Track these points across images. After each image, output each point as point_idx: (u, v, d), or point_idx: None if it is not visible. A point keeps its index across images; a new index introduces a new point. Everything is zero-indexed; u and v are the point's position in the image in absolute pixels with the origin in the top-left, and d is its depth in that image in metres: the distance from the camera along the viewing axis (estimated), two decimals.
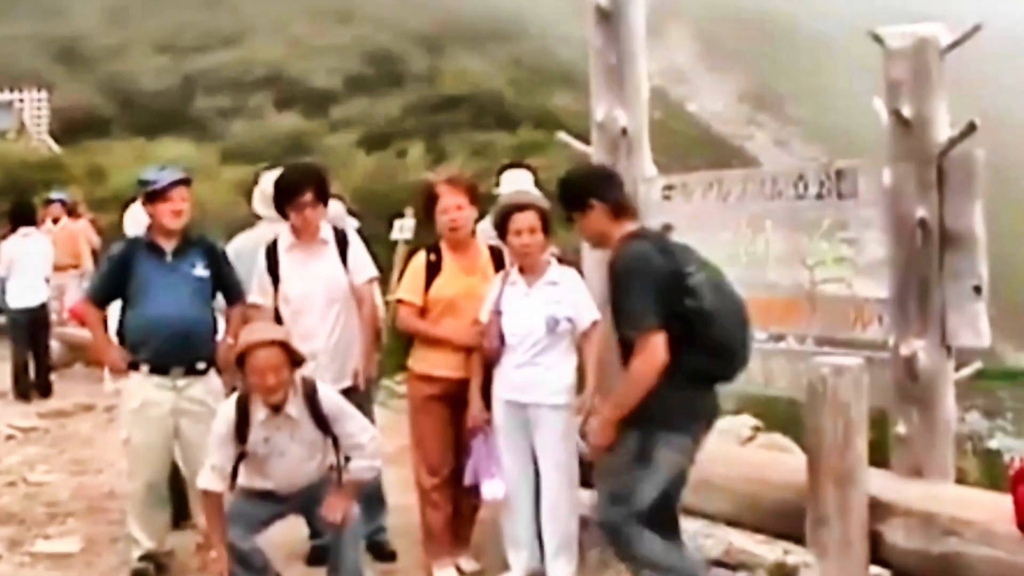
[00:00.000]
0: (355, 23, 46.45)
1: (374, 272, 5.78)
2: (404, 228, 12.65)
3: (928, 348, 4.55)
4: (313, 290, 5.55)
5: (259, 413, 4.87)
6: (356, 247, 5.71)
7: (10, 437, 9.41)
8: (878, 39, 4.66)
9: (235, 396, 4.96)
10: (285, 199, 5.50)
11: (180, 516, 5.91)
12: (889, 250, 4.70)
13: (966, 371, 4.82)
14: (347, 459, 5.02)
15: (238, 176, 23.81)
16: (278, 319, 5.55)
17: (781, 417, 10.28)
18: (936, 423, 4.61)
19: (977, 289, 4.47)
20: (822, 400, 4.28)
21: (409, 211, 12.69)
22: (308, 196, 5.45)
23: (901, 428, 4.67)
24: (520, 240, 5.15)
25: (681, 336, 4.20)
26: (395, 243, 12.52)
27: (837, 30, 53.50)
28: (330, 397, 4.98)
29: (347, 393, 5.38)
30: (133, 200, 6.75)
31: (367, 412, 5.54)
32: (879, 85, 4.71)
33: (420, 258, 5.54)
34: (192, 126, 38.01)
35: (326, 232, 5.64)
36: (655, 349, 4.17)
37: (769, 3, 54.88)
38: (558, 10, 47.05)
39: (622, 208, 4.57)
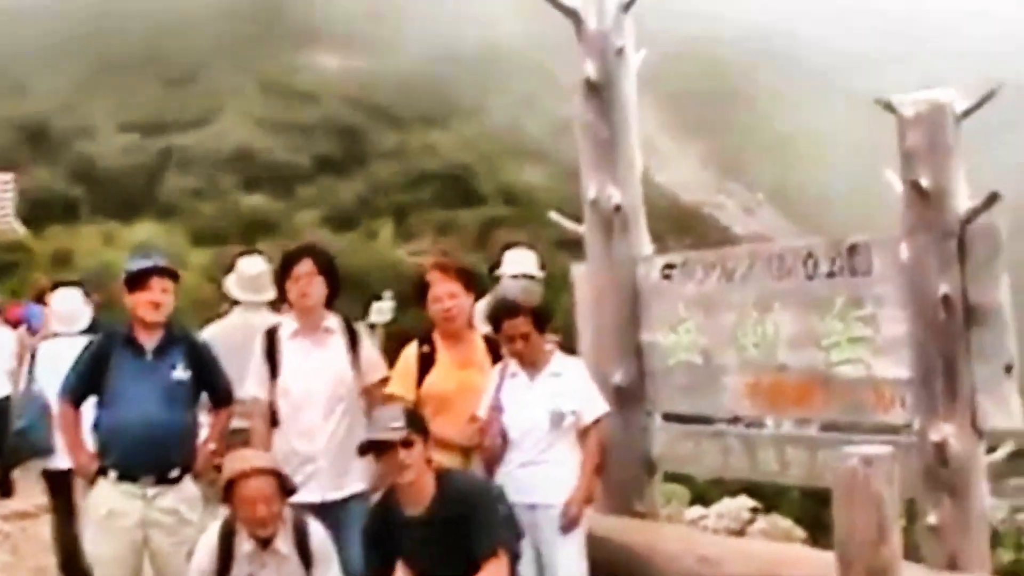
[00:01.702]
0: (322, 101, 46.49)
1: (386, 371, 5.27)
2: (382, 311, 12.38)
3: (958, 432, 4.28)
4: (317, 384, 5.08)
5: (244, 546, 4.51)
6: (367, 341, 5.31)
7: None
8: (889, 107, 4.43)
9: (218, 526, 4.59)
10: (282, 272, 5.19)
11: None
12: (910, 328, 4.44)
13: (998, 453, 4.55)
14: None
15: (207, 259, 23.49)
16: (273, 415, 5.12)
17: (770, 494, 9.97)
18: (970, 511, 4.35)
19: (1008, 368, 4.22)
20: (852, 493, 3.95)
21: (387, 293, 12.44)
22: (305, 266, 5.10)
23: (932, 518, 4.38)
24: (513, 347, 4.90)
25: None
26: (372, 326, 12.23)
27: (795, 92, 54.13)
28: (321, 537, 4.63)
29: (348, 501, 5.01)
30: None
31: None
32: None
33: (411, 349, 5.16)
34: (161, 207, 37.63)
35: (332, 321, 5.23)
36: (507, 568, 4.40)
37: (727, 67, 55.39)
38: (524, 85, 47.37)
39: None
